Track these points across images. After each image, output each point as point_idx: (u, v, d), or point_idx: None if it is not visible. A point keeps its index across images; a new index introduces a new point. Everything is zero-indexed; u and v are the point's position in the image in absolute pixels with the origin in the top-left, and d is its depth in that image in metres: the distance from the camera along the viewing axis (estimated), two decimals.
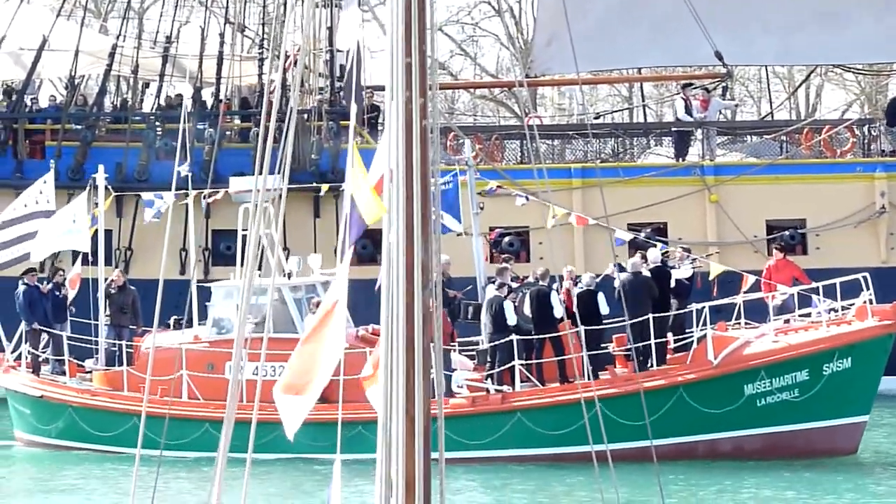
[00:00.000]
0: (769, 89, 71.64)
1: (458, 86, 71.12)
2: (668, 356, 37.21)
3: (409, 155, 11.51)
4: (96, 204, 39.45)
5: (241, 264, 37.06)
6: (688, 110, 53.60)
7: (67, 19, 55.47)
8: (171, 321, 40.05)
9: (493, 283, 38.32)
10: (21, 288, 40.25)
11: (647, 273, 37.77)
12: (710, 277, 39.30)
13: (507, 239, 49.64)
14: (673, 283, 38.15)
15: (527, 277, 39.11)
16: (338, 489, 12.34)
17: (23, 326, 40.69)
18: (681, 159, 52.22)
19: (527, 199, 43.83)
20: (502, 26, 78.45)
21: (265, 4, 55.40)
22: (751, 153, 53.69)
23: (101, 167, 39.97)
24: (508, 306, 37.28)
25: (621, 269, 38.07)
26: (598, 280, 38.23)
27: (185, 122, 47.03)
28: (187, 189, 40.17)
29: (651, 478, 32.91)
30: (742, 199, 50.44)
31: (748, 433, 37.36)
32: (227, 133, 51.97)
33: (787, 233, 49.55)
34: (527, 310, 37.47)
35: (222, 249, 46.93)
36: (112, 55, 53.27)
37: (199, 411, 37.79)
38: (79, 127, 52.33)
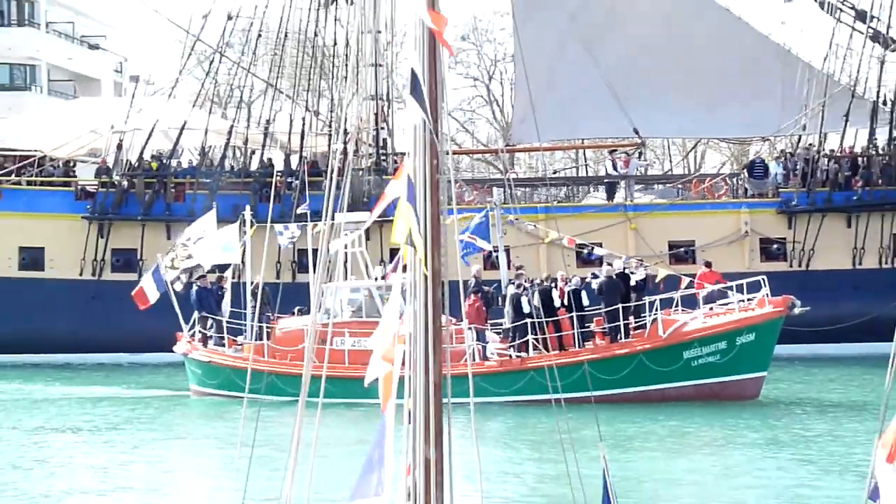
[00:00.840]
0: (669, 153, 71.04)
1: (461, 152, 70.19)
2: (631, 333, 38.88)
3: (433, 198, 11.16)
4: (244, 231, 40.05)
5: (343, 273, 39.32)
6: (615, 167, 54.57)
7: (200, 108, 55.39)
8: (296, 310, 40.95)
9: (513, 283, 40.25)
10: (194, 288, 41.34)
11: (614, 276, 39.83)
12: (657, 279, 41.41)
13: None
14: (633, 283, 40.00)
15: (535, 279, 40.83)
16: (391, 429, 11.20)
17: (195, 315, 41.58)
18: (610, 200, 53.76)
19: (534, 226, 47.48)
20: (490, 112, 78.27)
21: (332, 99, 55.19)
22: (658, 196, 56.26)
23: (247, 207, 41.50)
24: (524, 299, 38.95)
25: (594, 276, 40.52)
26: (581, 282, 39.86)
27: (274, 177, 48.61)
28: (306, 221, 41.53)
29: (618, 414, 35.52)
30: (652, 227, 51.40)
31: (686, 384, 38.54)
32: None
33: (682, 249, 50.66)
34: (536, 301, 38.80)
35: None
36: (230, 132, 53.92)
37: (317, 371, 38.40)
38: (207, 181, 52.61)
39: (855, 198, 50.96)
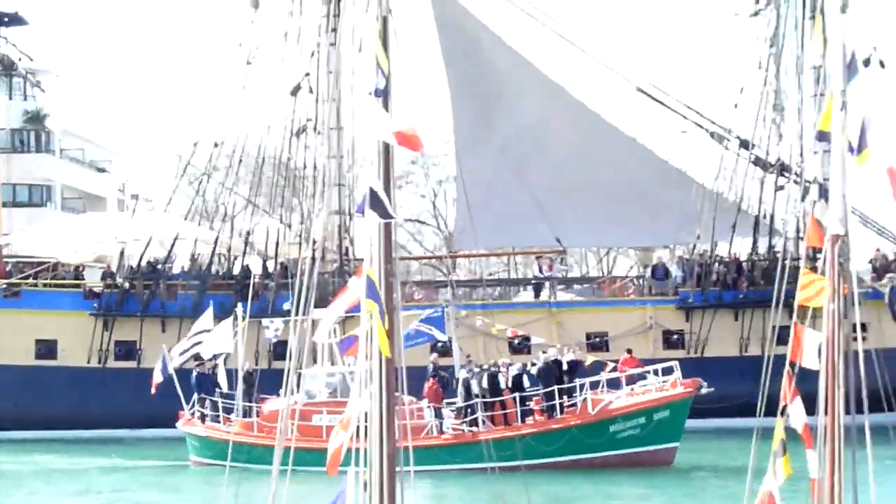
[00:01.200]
0: (586, 259, 71.59)
1: (411, 258, 70.35)
2: (565, 410, 39.40)
3: (388, 295, 11.76)
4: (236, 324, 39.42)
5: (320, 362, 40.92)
6: (541, 270, 55.00)
7: (190, 221, 56.42)
8: (280, 391, 40.25)
9: (464, 367, 40.51)
10: (194, 373, 41.92)
11: (550, 362, 40.27)
12: (587, 364, 41.46)
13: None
14: (565, 367, 40.39)
15: (482, 365, 41.39)
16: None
17: (195, 396, 42.15)
18: (537, 298, 53.78)
19: (482, 320, 46.97)
20: (436, 224, 78.65)
21: (302, 213, 55.02)
22: (577, 294, 55.87)
23: (239, 304, 40.26)
24: (473, 382, 39.49)
25: (533, 364, 40.62)
26: (522, 367, 40.32)
27: (253, 279, 48.86)
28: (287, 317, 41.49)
29: (556, 481, 36.09)
30: (572, 320, 51.44)
31: (612, 453, 39.00)
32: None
33: (597, 339, 50.44)
34: (484, 384, 39.76)
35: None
36: (216, 241, 54.50)
37: (298, 444, 38.26)
38: (196, 282, 53.00)
39: (741, 296, 51.21)
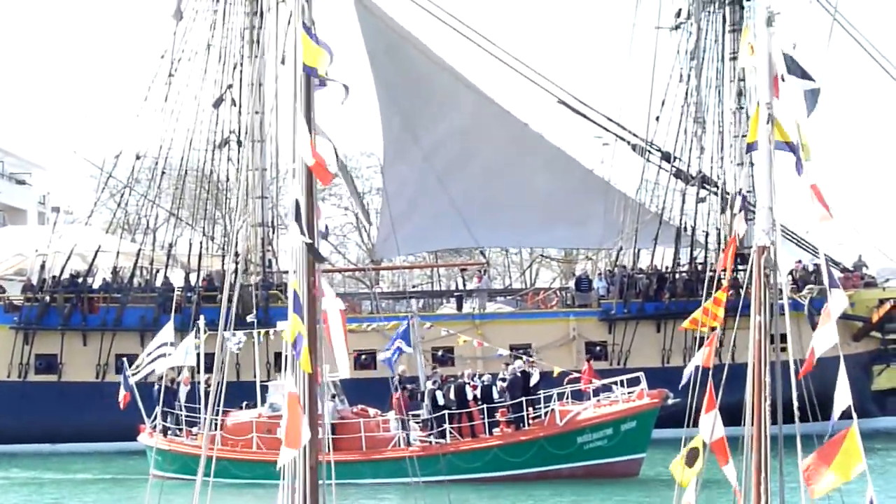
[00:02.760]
0: (510, 271, 71.69)
1: (334, 270, 70.19)
2: (531, 422, 39.17)
3: (310, 307, 12.00)
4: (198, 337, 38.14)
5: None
6: (464, 282, 55.60)
7: (112, 234, 55.88)
8: (244, 405, 41.31)
9: (429, 379, 40.35)
10: (155, 386, 40.05)
11: (518, 374, 39.70)
12: (554, 375, 40.77)
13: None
14: (534, 379, 39.73)
15: (451, 376, 41.64)
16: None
17: (157, 409, 40.72)
18: (460, 310, 53.41)
19: (447, 332, 47.42)
20: (359, 236, 78.33)
21: (225, 226, 55.05)
22: (503, 305, 55.50)
23: (202, 316, 39.48)
24: (439, 394, 39.32)
25: (502, 379, 39.85)
26: (491, 378, 40.00)
27: (179, 291, 48.18)
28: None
29: (523, 493, 36.42)
30: (495, 332, 50.82)
31: (579, 464, 38.82)
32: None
33: (521, 351, 48.19)
34: (451, 395, 39.46)
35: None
36: (138, 254, 54.07)
37: (262, 456, 37.98)
38: (118, 295, 52.33)
39: (663, 307, 51.47)
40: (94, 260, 53.15)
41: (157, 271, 54.26)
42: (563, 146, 56.44)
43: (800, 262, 52.79)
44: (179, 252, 54.00)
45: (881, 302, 51.58)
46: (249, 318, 42.38)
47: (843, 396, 12.37)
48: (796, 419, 13.25)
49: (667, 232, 53.05)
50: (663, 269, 53.65)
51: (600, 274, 54.80)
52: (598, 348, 51.48)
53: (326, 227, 12.64)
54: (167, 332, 38.64)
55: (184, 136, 53.55)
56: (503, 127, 54.33)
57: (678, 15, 54.80)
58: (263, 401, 40.92)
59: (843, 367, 12.71)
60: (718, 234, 52.13)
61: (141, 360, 39.56)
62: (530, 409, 39.09)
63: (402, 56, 54.34)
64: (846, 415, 13.13)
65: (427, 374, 41.08)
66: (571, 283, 55.69)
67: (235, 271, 50.28)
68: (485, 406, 39.14)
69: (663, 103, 53.68)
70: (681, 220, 54.02)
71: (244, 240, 52.31)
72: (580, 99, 53.49)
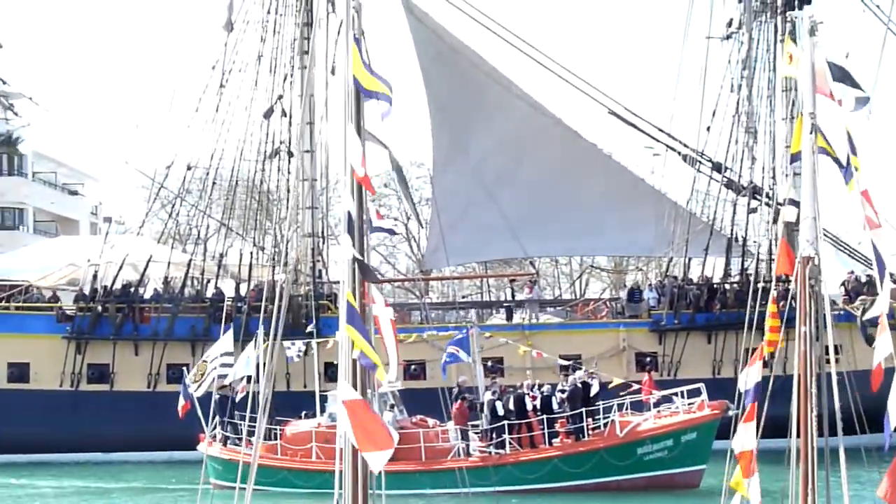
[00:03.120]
0: (559, 282, 71.53)
1: (383, 281, 70.19)
2: (591, 433, 39.07)
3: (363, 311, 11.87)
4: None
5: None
6: (513, 293, 55.86)
7: (163, 244, 56.38)
8: (303, 414, 41.82)
9: (489, 389, 40.30)
10: (216, 396, 40.01)
11: (578, 385, 39.85)
12: (610, 386, 40.65)
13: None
14: (594, 390, 39.85)
15: (510, 387, 41.64)
16: None
17: (216, 419, 39.90)
18: (510, 321, 53.25)
19: (507, 342, 47.13)
20: (408, 247, 78.54)
21: (276, 236, 55.48)
22: (553, 315, 55.24)
23: (261, 327, 39.84)
24: (498, 404, 39.25)
25: (562, 390, 40.00)
26: (551, 389, 40.07)
27: (231, 301, 48.28)
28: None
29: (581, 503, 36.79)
30: (545, 342, 49.44)
31: (639, 476, 38.65)
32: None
33: (571, 361, 47.53)
34: (510, 406, 39.45)
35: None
36: (189, 264, 54.34)
37: (322, 466, 38.03)
38: (169, 305, 52.69)
39: (714, 318, 51.18)
40: (145, 270, 53.58)
41: (208, 281, 54.47)
42: (614, 156, 56.77)
43: (852, 272, 52.52)
44: (230, 262, 54.24)
45: None
46: (309, 329, 42.77)
47: None
48: (839, 430, 13.13)
49: (718, 242, 52.76)
50: (714, 280, 53.54)
51: (651, 284, 54.79)
52: (648, 359, 51.20)
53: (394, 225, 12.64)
54: (227, 341, 38.65)
55: (234, 147, 53.84)
56: (554, 135, 54.27)
57: (729, 25, 54.54)
58: (322, 410, 40.96)
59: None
60: (770, 246, 51.85)
61: (199, 369, 39.59)
62: (590, 420, 38.99)
63: (452, 65, 54.39)
64: None
65: (486, 385, 40.89)
66: (622, 294, 55.56)
67: (286, 281, 50.83)
68: (544, 417, 39.09)
69: (714, 113, 53.38)
70: (732, 230, 53.87)
71: (294, 250, 52.79)
72: (631, 109, 53.50)
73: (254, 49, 54.06)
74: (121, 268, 53.05)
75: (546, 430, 39.09)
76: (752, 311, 16.60)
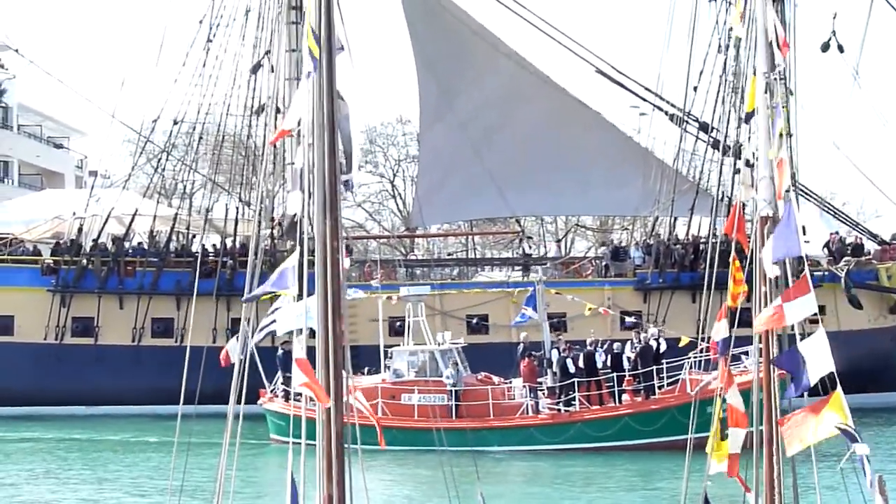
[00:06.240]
0: (545, 240, 71.23)
1: (364, 237, 70.08)
2: (658, 392, 39.15)
3: (333, 276, 11.61)
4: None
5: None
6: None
7: (149, 198, 56.20)
8: (365, 370, 41.19)
9: (556, 346, 40.36)
10: (279, 351, 38.74)
11: (652, 342, 40.26)
12: (680, 344, 39.71)
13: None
14: (662, 348, 40.23)
15: (578, 345, 41.22)
16: None
17: (279, 374, 40.27)
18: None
19: (573, 298, 46.29)
20: (394, 203, 78.61)
21: (260, 190, 54.70)
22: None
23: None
24: (569, 362, 39.49)
25: (633, 344, 40.48)
26: (620, 346, 40.30)
27: (215, 257, 47.91)
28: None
29: (653, 460, 36.08)
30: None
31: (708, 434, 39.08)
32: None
33: (555, 320, 47.52)
34: (580, 363, 39.61)
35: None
36: (174, 219, 54.34)
37: (389, 422, 38.01)
38: (154, 259, 52.52)
39: (698, 277, 49.58)
40: (131, 224, 53.50)
41: (194, 236, 54.69)
42: (602, 115, 56.36)
43: (836, 233, 52.54)
44: (216, 217, 54.07)
45: None
46: (374, 283, 43.45)
47: (824, 364, 12.02)
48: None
49: (703, 202, 52.44)
50: (700, 239, 53.55)
51: (636, 243, 54.84)
52: (632, 318, 50.75)
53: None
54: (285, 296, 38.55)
55: (221, 102, 53.78)
56: (542, 93, 54.05)
57: None
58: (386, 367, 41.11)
59: (823, 333, 12.30)
60: (755, 205, 51.56)
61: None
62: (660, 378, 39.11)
63: (440, 22, 54.21)
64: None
65: (552, 341, 40.84)
66: (607, 251, 55.53)
67: (271, 236, 50.77)
68: (614, 374, 39.18)
69: (701, 73, 53.29)
70: (718, 190, 53.87)
71: (281, 205, 52.57)
72: (618, 68, 53.16)
73: (242, 4, 53.76)
74: (106, 221, 53.11)
75: (616, 389, 39.19)
76: (710, 270, 16.52)
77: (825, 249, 51.63)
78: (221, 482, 12.32)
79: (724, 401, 14.63)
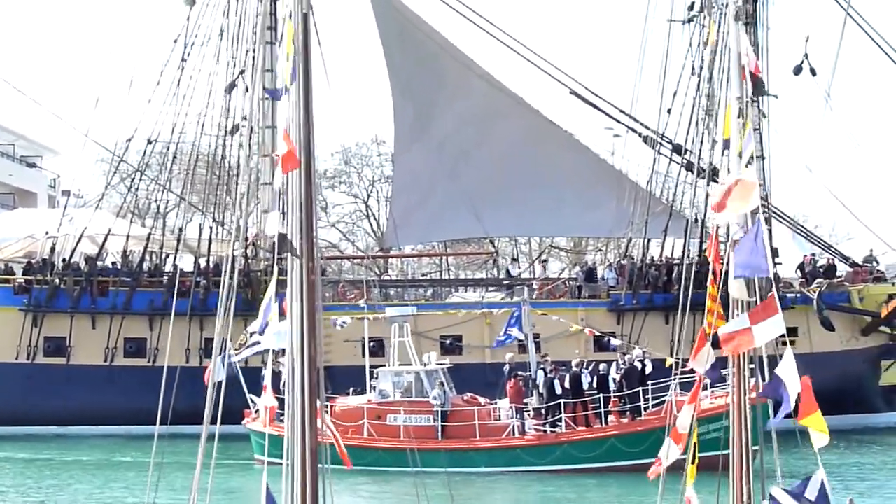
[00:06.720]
0: (518, 262, 71.37)
1: (337, 257, 69.90)
2: (644, 413, 39.12)
3: (309, 296, 11.89)
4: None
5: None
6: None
7: (122, 218, 55.64)
8: (350, 391, 41.41)
9: (541, 367, 40.35)
10: (264, 371, 38.97)
11: (634, 364, 40.20)
12: (666, 364, 39.11)
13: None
14: (648, 369, 40.07)
15: (563, 366, 41.07)
16: None
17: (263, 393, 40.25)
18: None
19: (558, 319, 46.61)
20: (368, 224, 78.71)
21: (236, 210, 54.52)
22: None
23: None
24: (556, 382, 39.50)
25: (618, 366, 40.29)
26: (605, 368, 40.28)
27: (188, 277, 47.65)
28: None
29: (632, 482, 35.44)
30: (504, 321, 47.76)
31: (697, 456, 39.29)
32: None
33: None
34: (566, 384, 39.63)
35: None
36: (147, 239, 54.02)
37: (374, 443, 38.81)
38: (127, 279, 52.26)
39: (672, 299, 49.69)
40: (104, 243, 53.21)
41: (167, 256, 54.26)
42: (575, 136, 56.43)
43: (813, 255, 52.71)
44: (189, 237, 53.77)
45: (890, 297, 51.25)
46: (361, 304, 43.22)
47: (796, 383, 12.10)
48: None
49: (677, 223, 52.54)
50: (673, 261, 53.43)
51: (610, 265, 54.81)
52: (606, 339, 50.51)
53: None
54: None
55: (195, 122, 53.62)
56: (515, 114, 54.23)
57: (691, 8, 54.45)
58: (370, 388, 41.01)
59: (791, 355, 12.38)
60: (728, 228, 51.64)
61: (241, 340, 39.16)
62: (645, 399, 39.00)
63: (414, 43, 54.32)
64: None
65: (538, 362, 40.77)
66: (581, 273, 55.31)
67: (245, 257, 50.67)
68: (600, 395, 39.10)
69: (675, 95, 53.50)
70: (692, 212, 53.98)
71: (255, 225, 52.51)
72: (592, 90, 53.29)
73: (216, 23, 53.75)
74: (79, 240, 52.80)
75: (602, 410, 39.10)
76: (685, 292, 16.58)
77: (798, 271, 51.91)
78: (194, 502, 12.27)
79: (700, 424, 14.48)
